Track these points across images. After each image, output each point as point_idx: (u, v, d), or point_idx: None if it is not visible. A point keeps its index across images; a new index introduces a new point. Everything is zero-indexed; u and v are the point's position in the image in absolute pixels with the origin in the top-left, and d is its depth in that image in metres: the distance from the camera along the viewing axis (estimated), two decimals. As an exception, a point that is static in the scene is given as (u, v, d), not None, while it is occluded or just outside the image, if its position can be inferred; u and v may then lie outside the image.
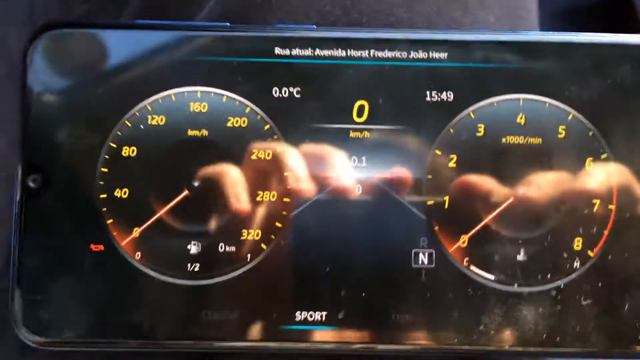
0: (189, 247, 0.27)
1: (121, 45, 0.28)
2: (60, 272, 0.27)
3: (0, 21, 0.41)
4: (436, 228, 0.28)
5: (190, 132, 0.28)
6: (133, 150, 0.27)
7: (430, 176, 0.28)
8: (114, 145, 0.27)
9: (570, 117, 0.28)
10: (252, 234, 0.27)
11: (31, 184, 0.27)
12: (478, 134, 0.28)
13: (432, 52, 0.28)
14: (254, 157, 0.28)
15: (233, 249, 0.27)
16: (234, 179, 0.27)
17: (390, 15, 0.29)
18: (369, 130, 0.28)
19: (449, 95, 0.28)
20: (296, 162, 0.28)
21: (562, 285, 0.27)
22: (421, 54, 0.28)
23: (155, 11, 0.33)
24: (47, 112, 0.27)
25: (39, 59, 0.28)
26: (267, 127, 0.28)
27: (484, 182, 0.27)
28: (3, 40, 0.40)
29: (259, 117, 0.28)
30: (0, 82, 0.37)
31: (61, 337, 0.27)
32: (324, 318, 0.27)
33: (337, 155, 0.28)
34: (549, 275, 0.27)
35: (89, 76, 0.28)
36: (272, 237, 0.27)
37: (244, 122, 0.28)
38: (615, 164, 0.27)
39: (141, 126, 0.28)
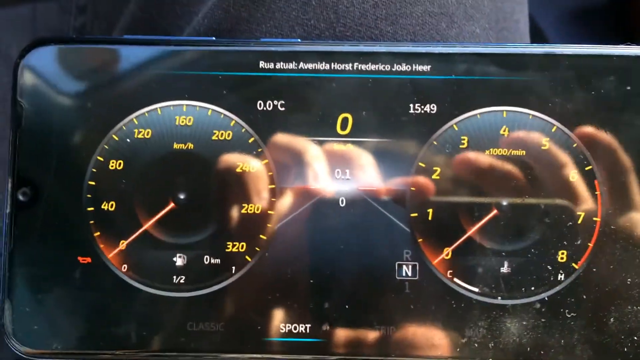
0: (174, 259, 0.28)
1: (109, 60, 0.28)
2: (49, 284, 0.28)
3: (2, 31, 0.42)
4: (420, 240, 0.28)
5: (176, 146, 0.28)
6: (120, 164, 0.28)
7: (413, 188, 0.28)
8: (101, 159, 0.28)
9: (554, 129, 0.28)
10: (236, 246, 0.28)
11: (21, 197, 0.28)
12: (462, 146, 0.28)
13: (415, 65, 0.28)
14: (238, 170, 0.28)
15: (218, 261, 0.28)
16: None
17: (374, 28, 0.29)
18: (352, 142, 0.28)
19: (432, 108, 0.28)
20: (280, 174, 0.28)
21: (546, 298, 0.27)
22: (404, 67, 0.28)
23: (146, 25, 0.33)
24: (36, 126, 0.28)
25: (29, 74, 0.28)
26: (251, 140, 0.28)
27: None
28: (6, 50, 0.41)
29: (243, 130, 0.28)
30: (5, 92, 0.38)
31: (50, 349, 0.28)
32: (308, 330, 0.27)
33: (321, 168, 0.28)
34: (533, 288, 0.27)
35: (77, 90, 0.28)
36: (257, 249, 0.28)
37: (228, 135, 0.28)
38: (600, 176, 0.27)
39: (128, 140, 0.28)
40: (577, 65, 0.28)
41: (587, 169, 0.27)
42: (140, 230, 0.28)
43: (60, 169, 0.28)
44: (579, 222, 0.27)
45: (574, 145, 0.28)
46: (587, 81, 0.28)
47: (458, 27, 0.31)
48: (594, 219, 0.27)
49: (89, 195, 0.28)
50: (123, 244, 0.28)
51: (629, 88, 0.28)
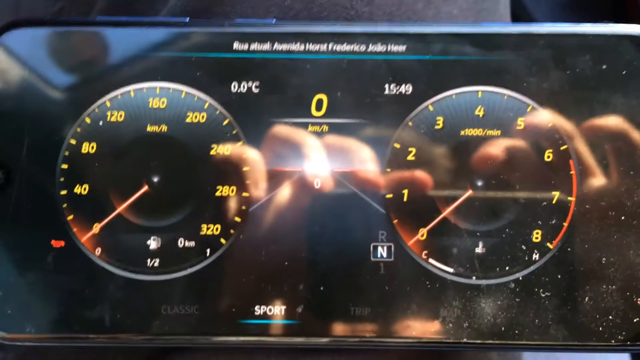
0: (148, 242, 0.28)
1: (82, 42, 0.28)
2: (23, 268, 0.27)
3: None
4: (395, 221, 0.28)
5: (149, 128, 0.28)
6: (93, 147, 0.28)
7: (389, 169, 0.28)
8: (74, 142, 0.28)
9: (529, 109, 0.28)
10: (211, 229, 0.28)
11: (-7, 181, 0.27)
12: (437, 127, 0.28)
13: (391, 45, 0.28)
14: (212, 152, 0.28)
15: (192, 244, 0.28)
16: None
17: (350, 9, 0.29)
18: (327, 124, 0.28)
19: (407, 88, 0.28)
20: (255, 156, 0.28)
21: (520, 278, 0.27)
22: (380, 47, 0.28)
23: (122, 8, 0.33)
24: (8, 109, 0.28)
25: (2, 56, 0.28)
26: (226, 121, 0.28)
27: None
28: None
29: (217, 112, 0.28)
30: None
31: (24, 333, 0.27)
32: (283, 312, 0.27)
33: (296, 149, 0.28)
34: (507, 268, 0.27)
35: (50, 73, 0.28)
36: (232, 231, 0.28)
37: (202, 117, 0.28)
38: (575, 155, 0.27)
39: (100, 122, 0.28)
40: (553, 45, 0.28)
41: (562, 148, 0.27)
42: (114, 214, 0.28)
43: (32, 152, 0.28)
44: (554, 202, 0.27)
45: (550, 125, 0.27)
46: (562, 60, 0.27)
47: (435, 7, 0.31)
48: (569, 198, 0.27)
49: (61, 179, 0.28)
50: (97, 228, 0.28)
51: (604, 67, 0.27)
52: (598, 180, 0.27)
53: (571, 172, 0.27)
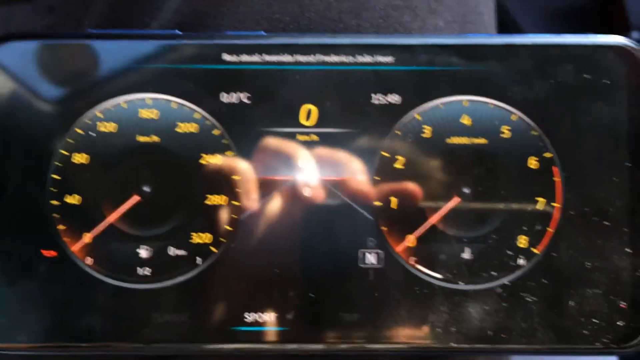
0: (139, 251, 0.28)
1: (74, 54, 0.28)
2: (14, 278, 0.28)
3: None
4: (383, 228, 0.28)
5: (140, 139, 0.28)
6: (84, 157, 0.28)
7: (377, 177, 0.28)
8: (65, 153, 0.28)
9: (514, 118, 0.28)
10: (202, 238, 0.28)
11: (-16, 192, 0.28)
12: (424, 135, 0.28)
13: (378, 56, 0.28)
14: (203, 161, 0.28)
15: (183, 252, 0.28)
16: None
17: (339, 21, 0.30)
18: (316, 133, 0.28)
19: (395, 98, 0.28)
20: (245, 166, 0.28)
21: (507, 283, 0.28)
22: (367, 58, 0.28)
23: (114, 22, 0.33)
24: (0, 120, 0.28)
25: (-7, 69, 0.28)
26: (216, 132, 0.28)
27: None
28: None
29: (208, 122, 0.28)
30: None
31: (15, 342, 0.28)
32: (273, 319, 0.28)
33: (286, 158, 0.28)
34: (494, 273, 0.28)
35: (41, 84, 0.28)
36: (222, 240, 0.28)
37: (193, 127, 0.28)
38: (558, 162, 0.28)
39: (92, 133, 0.28)
40: (536, 55, 0.28)
41: (546, 155, 0.28)
42: (105, 223, 0.28)
43: (24, 163, 0.28)
44: (539, 208, 0.28)
45: (534, 133, 0.28)
46: (546, 70, 0.28)
47: (421, 20, 0.31)
48: (553, 204, 0.28)
49: (53, 189, 0.28)
50: (88, 237, 0.28)
51: (587, 76, 0.28)
52: (582, 186, 0.28)
53: (555, 179, 0.28)
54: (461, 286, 0.28)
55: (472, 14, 0.33)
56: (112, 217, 0.28)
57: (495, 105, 0.28)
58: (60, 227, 0.28)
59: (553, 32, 0.27)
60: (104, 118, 0.28)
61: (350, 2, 0.30)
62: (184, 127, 0.28)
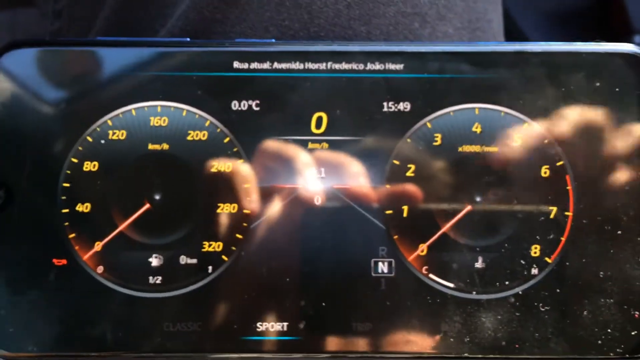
0: (150, 260, 0.28)
1: (83, 62, 0.28)
2: (24, 286, 0.27)
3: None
4: (395, 237, 0.28)
5: (150, 146, 0.28)
6: (94, 165, 0.28)
7: (388, 186, 0.28)
8: (76, 161, 0.28)
9: (525, 126, 0.28)
10: (213, 246, 0.28)
11: (-5, 200, 0.28)
12: (435, 144, 0.28)
13: (389, 64, 0.28)
14: (214, 169, 0.28)
15: (194, 261, 0.28)
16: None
17: (348, 28, 0.30)
18: (327, 141, 0.28)
19: (406, 106, 0.28)
20: (256, 174, 0.28)
21: (520, 292, 0.27)
22: (378, 66, 0.28)
23: (121, 28, 0.33)
24: (10, 128, 0.28)
25: (3, 76, 0.28)
26: (226, 140, 0.28)
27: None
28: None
29: (218, 130, 0.28)
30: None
31: (26, 351, 0.27)
32: (285, 328, 0.27)
33: (296, 166, 0.28)
34: (507, 283, 0.27)
35: (51, 92, 0.28)
36: (233, 248, 0.28)
37: (203, 135, 0.28)
38: (571, 171, 0.28)
39: (102, 141, 0.28)
40: (547, 63, 0.28)
41: (558, 164, 0.28)
42: (116, 232, 0.28)
43: (34, 171, 0.28)
44: (551, 216, 0.28)
45: (546, 141, 0.28)
46: (557, 78, 0.28)
47: (431, 27, 0.31)
48: (566, 213, 0.28)
49: (63, 197, 0.28)
50: (98, 246, 0.28)
51: (598, 84, 0.28)
52: (594, 195, 0.28)
53: (568, 188, 0.28)
54: (474, 295, 0.27)
55: (481, 20, 0.33)
56: (123, 226, 0.28)
57: (506, 113, 0.28)
58: (71, 235, 0.28)
59: (554, 36, 0.27)
60: (114, 126, 0.28)
61: (359, 9, 0.30)
62: (194, 135, 0.28)
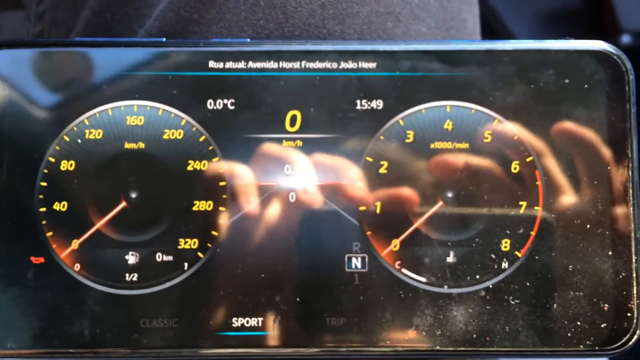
0: (127, 257, 0.28)
1: (61, 62, 0.29)
2: (3, 285, 0.28)
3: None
4: (368, 233, 0.28)
5: (127, 145, 0.28)
6: (71, 164, 0.28)
7: (361, 182, 0.28)
8: (53, 160, 0.28)
9: (495, 122, 0.28)
10: (189, 243, 0.28)
11: (-27, 199, 0.28)
12: (407, 141, 0.29)
13: (361, 63, 0.29)
14: (189, 168, 0.28)
15: (170, 258, 0.28)
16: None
17: (322, 28, 0.30)
18: (301, 139, 0.29)
19: (378, 104, 0.29)
20: (231, 172, 0.28)
21: (490, 286, 0.28)
22: (351, 65, 0.29)
23: (101, 30, 0.34)
24: (-12, 129, 0.28)
25: (-19, 78, 0.28)
26: (202, 138, 0.28)
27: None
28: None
29: (194, 129, 0.29)
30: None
31: (5, 349, 0.28)
32: (260, 323, 0.28)
33: (271, 164, 0.28)
34: (477, 277, 0.28)
35: (28, 92, 0.28)
36: (209, 245, 0.28)
37: (179, 134, 0.29)
38: (540, 166, 0.28)
39: (79, 140, 0.28)
40: (517, 60, 0.29)
41: (528, 160, 0.28)
42: (93, 230, 0.28)
43: (11, 170, 0.28)
44: (521, 211, 0.28)
45: (515, 137, 0.28)
46: (526, 75, 0.29)
47: (404, 26, 0.32)
48: (536, 208, 0.28)
49: (41, 196, 0.28)
50: (75, 244, 0.28)
51: (567, 81, 0.29)
52: (563, 190, 0.28)
53: (537, 183, 0.28)
54: (445, 289, 0.28)
55: (455, 20, 0.34)
56: (100, 224, 0.28)
57: (477, 110, 0.29)
58: (49, 233, 0.28)
59: (545, 37, 0.28)
60: (90, 125, 0.28)
61: (333, 9, 0.30)
62: (170, 134, 0.28)
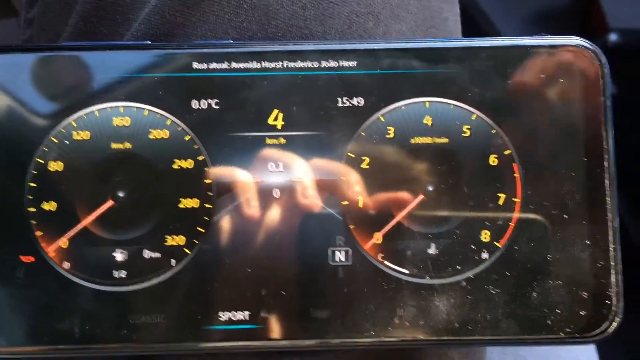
0: (115, 255, 0.29)
1: (47, 65, 0.29)
2: (-7, 284, 0.28)
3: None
4: (352, 227, 0.29)
5: (114, 146, 0.29)
6: (60, 165, 0.29)
7: (344, 178, 0.29)
8: (41, 161, 0.29)
9: (474, 117, 0.29)
10: (176, 240, 0.29)
11: (-37, 200, 0.28)
12: (388, 136, 0.29)
13: (342, 61, 0.29)
14: (175, 166, 0.29)
15: (158, 255, 0.29)
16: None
17: (304, 28, 0.31)
18: (284, 136, 0.29)
19: (359, 101, 0.29)
20: (216, 169, 0.29)
21: (471, 276, 0.28)
22: (332, 63, 0.29)
23: (88, 34, 0.34)
24: (-22, 132, 0.29)
25: (-30, 82, 0.29)
26: (187, 137, 0.29)
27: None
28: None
29: (179, 128, 0.29)
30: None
31: (-4, 347, 0.28)
32: (247, 317, 0.28)
33: (255, 162, 0.29)
34: (458, 267, 0.29)
35: (16, 95, 0.29)
36: (195, 242, 0.29)
37: (165, 134, 0.29)
38: (518, 159, 0.29)
39: (67, 141, 0.29)
40: (494, 57, 0.29)
41: (506, 153, 0.29)
42: (80, 228, 0.29)
43: (1, 171, 0.29)
44: (500, 203, 0.29)
45: (493, 131, 0.29)
46: (504, 71, 0.29)
47: (385, 25, 0.32)
48: (514, 199, 0.29)
49: (30, 196, 0.29)
50: (64, 243, 0.29)
51: (543, 76, 0.29)
52: (541, 182, 0.29)
53: (515, 175, 0.29)
54: (427, 280, 0.28)
55: (436, 19, 0.34)
56: (86, 221, 0.29)
57: (455, 105, 0.29)
58: (38, 233, 0.28)
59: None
60: (78, 127, 0.29)
61: (314, 10, 0.31)
62: (156, 134, 0.29)
